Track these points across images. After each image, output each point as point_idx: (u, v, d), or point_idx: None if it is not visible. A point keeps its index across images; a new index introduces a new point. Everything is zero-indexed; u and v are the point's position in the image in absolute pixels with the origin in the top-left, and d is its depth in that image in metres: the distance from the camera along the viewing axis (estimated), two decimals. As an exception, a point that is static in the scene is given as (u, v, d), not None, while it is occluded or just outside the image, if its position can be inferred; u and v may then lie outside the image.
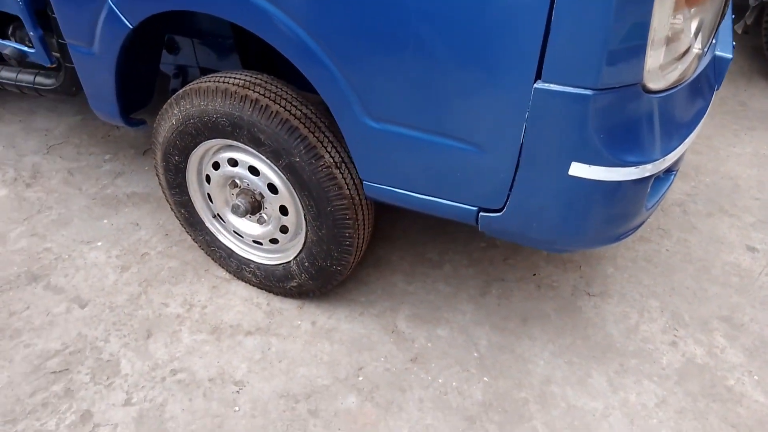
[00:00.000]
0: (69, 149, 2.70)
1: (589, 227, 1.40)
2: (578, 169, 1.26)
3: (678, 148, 1.37)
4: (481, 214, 1.44)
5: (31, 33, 1.86)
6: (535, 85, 1.18)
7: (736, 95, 3.32)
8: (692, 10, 1.24)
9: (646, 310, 1.98)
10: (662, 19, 1.14)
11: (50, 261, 2.12)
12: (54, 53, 1.93)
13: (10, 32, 2.02)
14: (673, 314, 1.96)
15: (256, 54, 2.02)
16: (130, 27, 1.60)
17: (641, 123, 1.26)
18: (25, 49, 1.95)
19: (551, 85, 1.17)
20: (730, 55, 1.58)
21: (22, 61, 2.02)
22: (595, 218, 1.38)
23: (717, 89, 1.62)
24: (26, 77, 2.09)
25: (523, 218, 1.40)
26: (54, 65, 1.96)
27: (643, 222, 1.52)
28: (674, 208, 2.43)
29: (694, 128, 1.45)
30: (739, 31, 3.37)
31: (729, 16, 1.80)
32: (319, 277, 1.82)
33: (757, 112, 3.17)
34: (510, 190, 1.36)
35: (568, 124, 1.21)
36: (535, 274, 2.10)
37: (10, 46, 1.96)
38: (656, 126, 1.29)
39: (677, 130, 1.38)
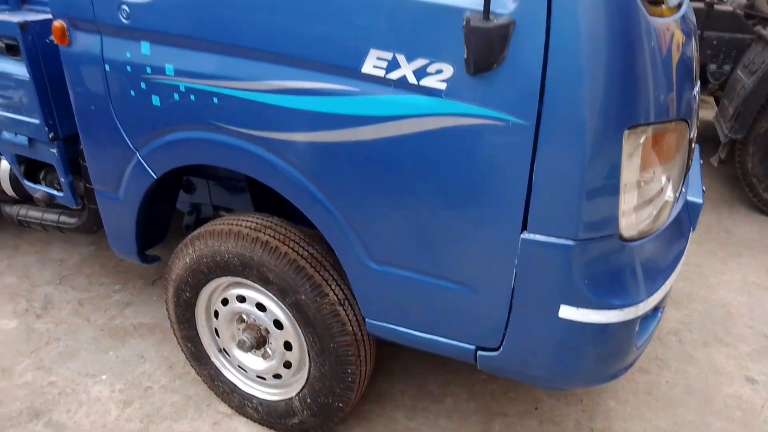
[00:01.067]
0: (81, 279, 2.80)
1: (582, 367, 1.46)
2: (567, 312, 1.34)
3: (661, 289, 1.47)
4: (479, 352, 1.50)
5: (62, 179, 2.04)
6: (522, 236, 1.30)
7: (720, 222, 3.49)
8: (659, 166, 1.39)
9: (651, 446, 1.95)
10: (631, 176, 1.28)
11: (54, 396, 2.12)
12: (80, 196, 2.09)
13: (41, 176, 2.21)
14: (680, 450, 1.94)
15: (266, 194, 2.18)
16: (155, 177, 1.77)
17: (623, 268, 1.37)
18: (55, 192, 2.12)
19: (536, 236, 1.29)
20: (700, 201, 1.73)
21: (49, 203, 2.19)
22: (586, 358, 1.44)
23: (693, 230, 1.75)
24: (51, 216, 2.24)
25: (520, 357, 1.46)
26: (79, 207, 2.12)
27: (635, 360, 1.57)
28: (670, 337, 2.47)
29: (675, 269, 1.55)
30: (715, 164, 3.63)
31: (697, 161, 1.98)
32: (321, 413, 1.83)
33: (741, 239, 3.31)
34: (505, 330, 1.43)
35: (554, 270, 1.32)
36: (536, 408, 2.09)
37: (41, 190, 2.13)
38: (638, 270, 1.40)
39: (659, 272, 1.49)
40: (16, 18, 1.74)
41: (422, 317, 1.54)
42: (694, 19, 1.72)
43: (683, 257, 1.62)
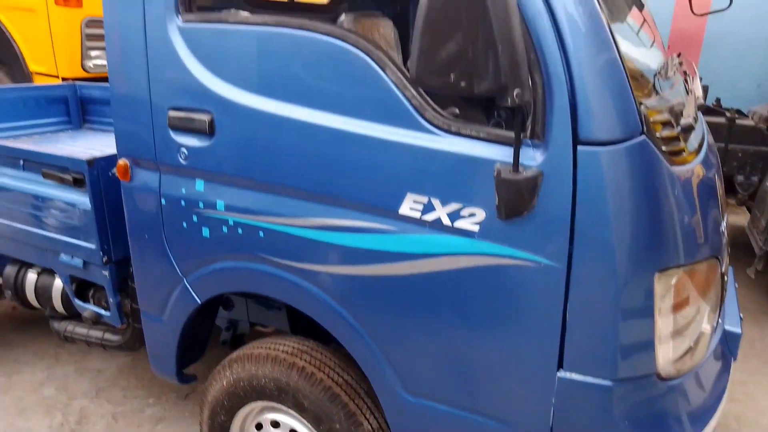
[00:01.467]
0: (116, 392, 2.82)
1: None
2: (609, 453, 1.30)
3: (706, 428, 1.42)
4: (517, 493, 1.44)
5: (111, 299, 2.14)
6: (558, 374, 1.31)
7: (763, 337, 3.36)
8: (693, 303, 1.40)
9: None
10: (665, 315, 1.30)
11: None
12: (125, 316, 2.18)
13: (89, 295, 2.32)
14: None
15: (302, 315, 2.23)
16: (199, 303, 1.85)
17: (664, 408, 1.34)
18: (102, 312, 2.22)
19: (573, 375, 1.30)
20: (739, 330, 1.70)
21: (96, 321, 2.28)
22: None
23: (734, 360, 1.71)
24: (96, 334, 2.33)
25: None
26: (123, 326, 2.20)
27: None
28: (723, 467, 2.32)
29: (719, 405, 1.51)
30: (752, 276, 3.56)
31: (732, 287, 1.97)
32: None
33: (788, 354, 3.17)
34: (545, 469, 1.39)
35: (593, 410, 1.30)
36: None
37: (89, 309, 2.23)
38: (680, 409, 1.37)
39: (702, 409, 1.45)
40: (84, 155, 1.92)
41: (459, 453, 1.51)
42: (717, 155, 1.80)
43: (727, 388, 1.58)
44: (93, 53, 4.86)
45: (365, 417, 1.65)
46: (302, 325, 2.09)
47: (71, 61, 4.80)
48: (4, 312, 3.56)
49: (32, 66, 5.04)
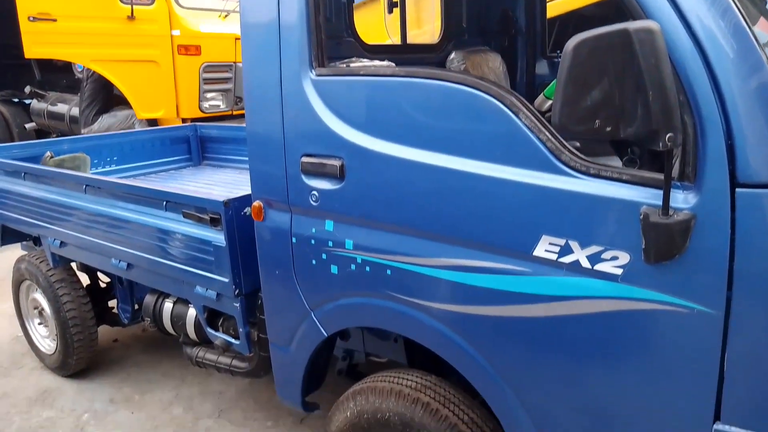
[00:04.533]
0: (237, 414, 2.99)
1: None
2: None
3: None
4: None
5: (240, 329, 2.27)
6: (715, 426, 1.23)
7: None
8: None
9: None
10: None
11: None
12: (253, 344, 2.31)
13: (219, 323, 2.48)
14: None
15: (420, 346, 2.26)
16: (325, 335, 1.93)
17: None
18: (232, 340, 2.36)
19: (732, 428, 1.21)
20: None
21: (226, 349, 2.43)
22: None
23: None
24: (225, 360, 2.48)
25: None
26: (251, 354, 2.33)
27: None
28: None
29: None
30: None
31: None
32: None
33: None
34: None
35: (756, 468, 1.21)
36: None
37: (221, 337, 2.39)
38: None
39: None
40: (221, 197, 2.08)
41: (598, 503, 1.45)
42: None
43: None
44: (209, 95, 5.28)
45: (493, 457, 1.64)
46: (419, 358, 2.11)
47: (190, 103, 5.24)
48: (134, 335, 3.89)
49: (140, 114, 5.55)
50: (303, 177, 1.80)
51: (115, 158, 3.95)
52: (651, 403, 1.30)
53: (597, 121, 1.14)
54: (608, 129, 1.13)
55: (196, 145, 4.29)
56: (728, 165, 1.13)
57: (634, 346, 1.30)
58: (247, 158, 1.99)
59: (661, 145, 1.10)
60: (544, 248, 1.37)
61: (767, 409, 1.19)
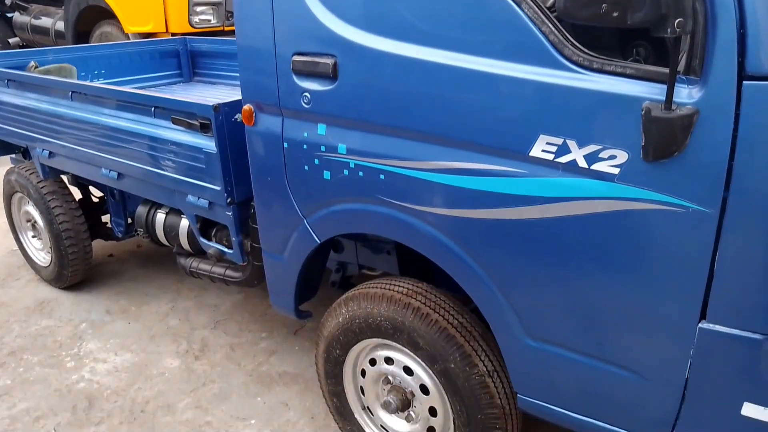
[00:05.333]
0: (232, 325, 3.05)
1: (768, 470, 1.33)
2: (752, 411, 1.24)
3: None
4: (643, 443, 1.42)
5: (233, 238, 2.27)
6: (700, 325, 1.25)
7: None
8: None
9: None
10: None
11: (210, 435, 2.31)
12: (246, 254, 2.32)
13: (213, 234, 2.48)
14: None
15: (412, 258, 2.27)
16: (318, 242, 1.93)
17: (818, 366, 1.25)
18: (225, 249, 2.37)
19: (717, 326, 1.23)
20: None
21: (219, 258, 2.44)
22: (774, 462, 1.31)
23: None
24: (218, 270, 2.50)
25: (691, 453, 1.37)
26: (244, 263, 2.34)
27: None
28: None
29: None
30: None
31: None
32: (464, 483, 1.82)
33: None
34: (675, 422, 1.36)
35: (737, 365, 1.24)
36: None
37: (214, 246, 2.39)
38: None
39: None
40: (210, 95, 2.01)
41: (581, 399, 1.50)
42: None
43: None
44: (199, 8, 5.05)
45: (480, 359, 1.68)
46: (412, 271, 2.13)
47: (180, 17, 5.02)
48: (129, 251, 3.91)
49: (128, 27, 5.32)
50: (294, 77, 1.73)
51: (103, 71, 3.82)
52: (639, 304, 1.32)
53: (603, 5, 1.07)
54: (615, 14, 1.07)
55: (187, 60, 4.14)
56: (738, 56, 1.08)
57: (626, 247, 1.30)
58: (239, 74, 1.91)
59: (669, 31, 1.04)
60: (541, 148, 1.33)
61: (751, 307, 1.20)
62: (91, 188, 3.37)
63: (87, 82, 2.91)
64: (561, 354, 1.48)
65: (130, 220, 3.11)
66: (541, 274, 1.44)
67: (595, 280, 1.36)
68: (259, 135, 1.92)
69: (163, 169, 2.32)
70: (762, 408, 1.23)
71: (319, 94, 1.69)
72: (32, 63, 3.41)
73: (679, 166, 1.18)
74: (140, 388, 2.60)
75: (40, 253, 3.48)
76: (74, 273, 3.28)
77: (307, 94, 1.72)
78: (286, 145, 1.84)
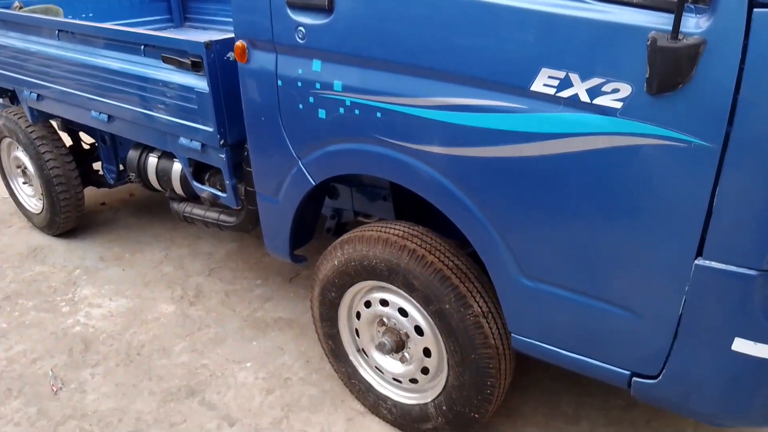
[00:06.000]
0: (227, 272, 3.06)
1: (754, 405, 1.36)
2: (742, 346, 1.26)
3: None
4: (634, 379, 1.45)
5: (227, 182, 2.25)
6: (696, 262, 1.25)
7: None
8: None
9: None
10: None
11: (206, 377, 2.34)
12: (240, 198, 2.29)
13: (206, 178, 2.44)
14: None
15: (408, 203, 2.26)
16: (313, 184, 1.90)
17: (810, 303, 1.26)
18: (218, 193, 2.34)
19: (713, 263, 1.23)
20: None
21: (213, 203, 2.42)
22: (760, 396, 1.34)
23: None
24: (212, 215, 2.48)
25: (681, 388, 1.39)
26: (238, 207, 2.32)
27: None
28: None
29: None
30: None
31: None
32: (456, 422, 1.86)
33: None
34: (667, 358, 1.37)
35: (730, 301, 1.25)
36: (681, 442, 1.98)
37: (207, 190, 2.37)
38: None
39: None
40: (202, 38, 1.95)
41: (575, 337, 1.52)
42: None
43: None
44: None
45: (475, 300, 1.68)
46: (408, 216, 2.12)
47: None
48: (122, 199, 3.88)
49: None
50: (288, 11, 1.66)
51: (90, 15, 3.71)
52: (637, 242, 1.31)
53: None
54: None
55: (177, 3, 4.01)
56: (750, -19, 1.04)
57: (626, 185, 1.28)
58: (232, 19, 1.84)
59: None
60: (543, 82, 1.30)
61: (747, 244, 1.20)
62: (82, 135, 3.30)
63: (73, 21, 2.81)
64: (556, 293, 1.48)
65: (121, 167, 3.07)
66: (538, 213, 1.43)
67: (593, 218, 1.35)
68: (252, 73, 1.87)
69: (154, 111, 2.27)
70: (752, 343, 1.25)
71: (313, 29, 1.63)
72: (17, 3, 3.28)
73: (683, 99, 1.15)
74: (136, 332, 2.62)
75: (32, 199, 3.44)
76: (66, 220, 3.25)
77: (301, 28, 1.66)
78: (279, 83, 1.79)
